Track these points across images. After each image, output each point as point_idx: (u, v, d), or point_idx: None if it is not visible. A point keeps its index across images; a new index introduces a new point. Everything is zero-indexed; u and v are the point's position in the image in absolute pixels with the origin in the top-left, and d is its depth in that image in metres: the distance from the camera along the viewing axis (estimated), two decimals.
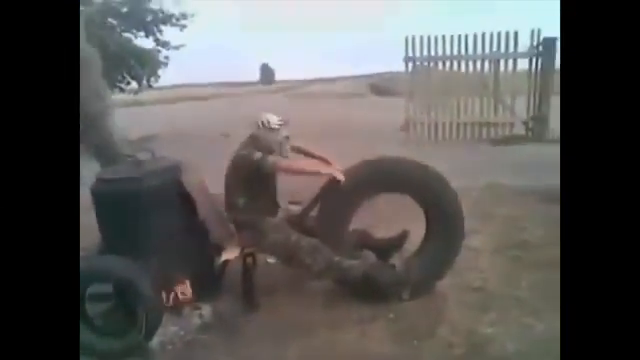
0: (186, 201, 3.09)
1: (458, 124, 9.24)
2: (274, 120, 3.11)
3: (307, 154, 3.40)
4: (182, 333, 2.86)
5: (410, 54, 9.15)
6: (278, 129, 3.11)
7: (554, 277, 3.27)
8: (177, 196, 3.07)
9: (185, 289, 2.95)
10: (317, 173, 3.14)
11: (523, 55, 8.80)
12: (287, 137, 3.17)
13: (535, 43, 8.76)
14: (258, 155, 2.99)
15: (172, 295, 2.93)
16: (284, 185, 3.35)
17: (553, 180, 5.56)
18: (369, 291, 3.06)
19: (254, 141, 3.13)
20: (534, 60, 8.79)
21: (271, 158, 3.00)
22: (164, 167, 3.18)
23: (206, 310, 3.04)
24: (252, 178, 3.05)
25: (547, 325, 2.78)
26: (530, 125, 8.92)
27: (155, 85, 12.52)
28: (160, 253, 2.88)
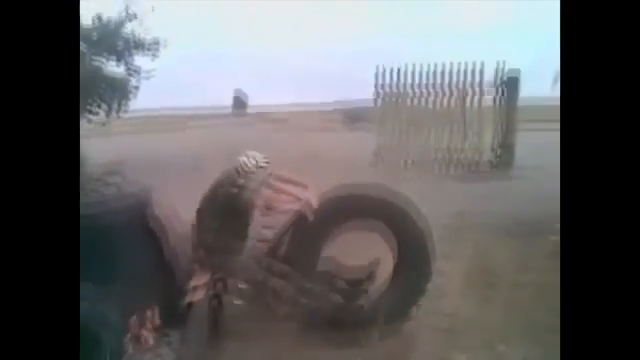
0: (153, 236, 3.03)
1: (427, 154, 9.42)
2: (260, 158, 3.10)
3: (287, 181, 3.38)
4: None
5: (380, 86, 9.35)
6: (263, 167, 3.09)
7: (524, 304, 3.37)
8: (144, 231, 3.01)
9: (153, 317, 2.87)
10: (292, 207, 3.13)
11: (488, 87, 9.11)
12: (270, 174, 3.16)
13: (499, 76, 9.09)
14: (234, 191, 2.98)
15: (139, 323, 2.84)
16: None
17: (520, 208, 5.76)
18: (338, 332, 3.03)
19: (235, 175, 3.07)
20: (499, 92, 9.10)
21: (250, 193, 3.00)
22: (132, 198, 3.12)
23: (174, 337, 2.96)
24: (228, 212, 3.02)
25: (518, 354, 2.82)
26: (497, 155, 9.17)
27: (125, 114, 12.38)
28: (127, 280, 2.80)
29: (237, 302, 3.26)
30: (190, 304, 3.10)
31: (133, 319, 2.82)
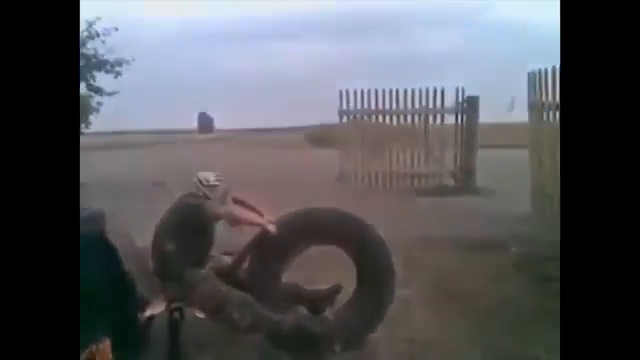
0: (109, 253, 2.94)
1: (390, 175, 9.54)
2: (212, 178, 3.13)
3: (245, 206, 3.40)
4: None
5: (344, 107, 9.47)
6: (216, 185, 3.13)
7: (484, 325, 3.40)
8: (99, 247, 2.91)
9: (105, 349, 2.74)
10: (252, 223, 3.13)
11: (449, 111, 9.35)
12: (226, 190, 3.21)
13: (460, 100, 9.36)
14: (201, 200, 3.01)
15: (89, 358, 2.71)
16: (218, 234, 3.28)
17: (481, 229, 5.88)
18: (301, 344, 3.00)
19: (194, 195, 3.12)
20: (459, 115, 9.35)
21: (213, 204, 3.02)
22: (86, 216, 3.02)
23: None
24: (190, 224, 3.00)
25: None
26: (458, 176, 9.36)
27: (86, 131, 12.08)
28: (81, 305, 2.68)
29: (199, 315, 3.19)
30: (151, 317, 3.02)
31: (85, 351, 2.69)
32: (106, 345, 2.74)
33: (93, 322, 2.72)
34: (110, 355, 2.74)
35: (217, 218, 3.11)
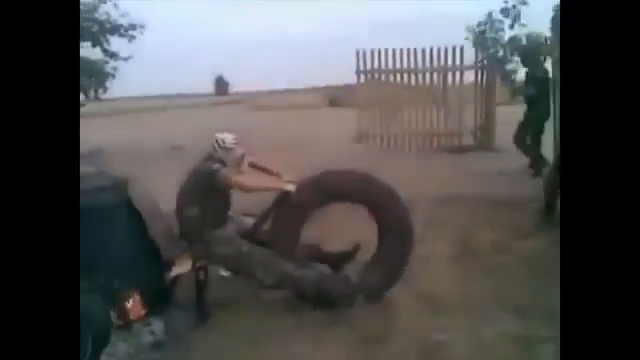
0: (135, 216, 3.02)
1: (409, 135, 9.46)
2: (229, 139, 3.18)
3: (261, 169, 3.45)
4: (132, 352, 2.77)
5: (361, 67, 9.32)
6: (233, 148, 3.17)
7: (504, 282, 3.43)
8: (125, 211, 2.99)
9: (136, 304, 2.86)
10: (269, 189, 3.17)
11: (468, 68, 9.14)
12: (243, 155, 3.25)
13: (479, 57, 9.12)
14: (216, 166, 3.03)
15: (121, 311, 2.83)
16: (238, 196, 3.33)
17: (500, 187, 5.84)
18: (322, 300, 3.08)
19: (212, 158, 3.17)
20: (479, 73, 9.14)
21: (227, 171, 3.05)
22: (110, 182, 3.09)
23: (157, 326, 2.96)
24: (207, 189, 3.07)
25: (497, 329, 2.87)
26: (477, 135, 9.24)
27: (103, 97, 12.17)
28: (108, 269, 2.79)
29: (223, 274, 3.29)
30: (177, 277, 3.13)
31: (116, 307, 2.81)
32: (137, 300, 2.86)
33: (123, 282, 2.84)
34: (142, 310, 2.87)
35: (229, 187, 3.16)
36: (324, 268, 3.30)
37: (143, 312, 2.91)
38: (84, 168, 3.14)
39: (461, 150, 8.81)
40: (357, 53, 9.29)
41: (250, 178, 3.28)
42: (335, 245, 3.58)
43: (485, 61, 9.05)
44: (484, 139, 9.08)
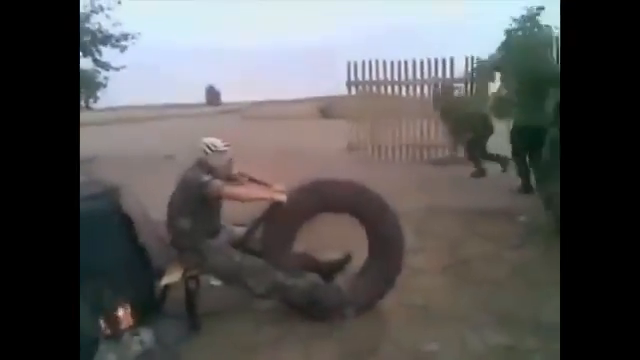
0: (125, 225, 3.01)
1: (400, 146, 9.51)
2: (219, 143, 3.18)
3: (251, 179, 3.46)
4: None
5: (352, 78, 9.39)
6: (224, 151, 3.17)
7: (494, 293, 3.45)
8: (115, 220, 2.99)
9: (125, 314, 2.85)
10: (260, 199, 3.18)
11: (459, 81, 9.24)
12: (231, 159, 3.24)
13: (469, 69, 9.22)
14: (206, 178, 3.00)
15: (110, 321, 2.81)
16: (229, 206, 3.34)
17: (489, 200, 5.88)
18: (313, 310, 3.08)
19: (201, 165, 3.15)
20: (469, 85, 9.24)
21: (217, 182, 3.02)
22: (101, 190, 3.09)
23: (147, 335, 2.94)
24: (198, 200, 3.04)
25: (488, 340, 2.89)
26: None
27: (94, 106, 12.14)
28: (98, 278, 2.77)
29: (214, 283, 3.28)
30: (167, 286, 3.12)
31: (105, 317, 2.80)
32: (127, 310, 2.85)
33: (113, 291, 2.82)
34: (131, 319, 2.85)
35: (220, 198, 3.15)
36: (315, 278, 3.30)
37: (132, 321, 2.89)
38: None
39: (452, 162, 8.87)
40: (348, 65, 9.37)
41: (241, 189, 3.28)
42: (326, 255, 3.59)
43: (475, 74, 9.15)
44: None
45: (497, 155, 7.28)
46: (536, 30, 7.98)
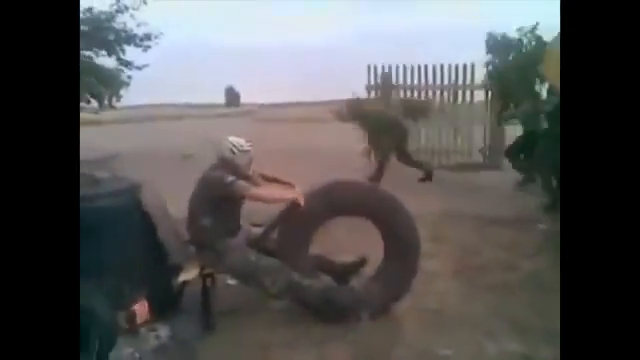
0: (145, 221, 3.07)
1: (417, 151, 9.47)
2: (244, 143, 3.21)
3: (271, 180, 3.49)
4: (137, 355, 2.80)
5: (372, 82, 9.39)
6: (248, 151, 3.21)
7: (509, 300, 3.43)
8: (136, 216, 3.04)
9: (142, 309, 2.91)
10: (282, 200, 3.21)
11: (479, 87, 9.18)
12: (251, 159, 3.28)
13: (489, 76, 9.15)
14: (230, 179, 3.04)
15: (128, 315, 2.87)
16: (246, 206, 3.38)
17: (507, 206, 5.84)
18: (328, 312, 3.10)
19: (224, 165, 3.18)
20: (489, 91, 9.17)
21: (242, 183, 3.06)
22: (123, 187, 3.16)
23: (163, 331, 2.99)
24: (220, 200, 3.08)
25: (502, 346, 2.88)
26: (486, 153, 9.24)
27: (117, 105, 12.32)
28: (117, 273, 2.83)
29: (230, 282, 3.32)
30: (184, 283, 3.17)
31: (123, 311, 2.85)
32: (144, 305, 2.90)
33: (131, 286, 2.88)
34: (148, 314, 2.91)
35: (244, 198, 3.19)
36: (330, 280, 3.32)
37: (150, 317, 2.95)
38: (99, 173, 3.22)
39: (469, 168, 8.81)
40: (368, 68, 9.38)
41: (265, 190, 3.31)
42: (341, 258, 3.60)
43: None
44: (493, 158, 9.07)
45: (421, 162, 7.29)
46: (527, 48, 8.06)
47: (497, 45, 8.27)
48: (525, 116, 7.11)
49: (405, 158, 7.24)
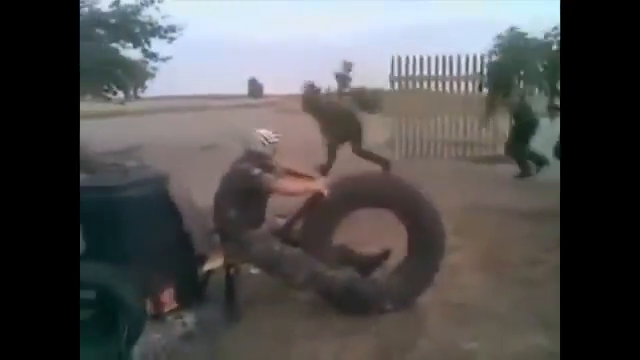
0: (172, 211, 3.12)
1: (442, 143, 9.39)
2: (271, 135, 3.26)
3: (295, 174, 3.52)
4: (164, 342, 2.85)
5: (395, 73, 9.32)
6: (276, 142, 3.26)
7: (534, 294, 3.38)
8: (163, 206, 3.09)
9: (169, 297, 2.96)
10: (306, 193, 3.24)
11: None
12: (275, 150, 3.33)
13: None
14: (256, 171, 3.07)
15: (155, 303, 2.93)
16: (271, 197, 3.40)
17: (533, 199, 5.74)
18: (351, 303, 3.11)
19: (250, 157, 3.22)
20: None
21: (269, 177, 3.09)
22: (151, 177, 3.21)
23: (189, 319, 3.04)
24: (246, 192, 3.11)
25: (527, 341, 2.84)
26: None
27: (142, 96, 12.50)
28: (145, 261, 2.89)
29: (254, 271, 3.36)
30: (209, 272, 3.22)
31: (150, 298, 2.91)
32: (171, 293, 2.96)
33: (158, 274, 2.94)
34: (175, 302, 2.97)
35: (271, 191, 3.21)
36: (353, 271, 3.33)
37: (176, 304, 3.00)
38: (127, 162, 3.28)
39: (494, 160, 8.70)
40: (392, 59, 9.30)
41: (291, 184, 3.30)
42: (365, 250, 3.60)
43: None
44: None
45: (376, 155, 7.33)
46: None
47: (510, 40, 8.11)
48: (517, 107, 7.40)
49: (359, 151, 7.28)
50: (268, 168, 3.19)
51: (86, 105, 10.64)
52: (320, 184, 3.21)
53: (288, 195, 3.21)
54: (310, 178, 3.44)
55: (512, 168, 7.45)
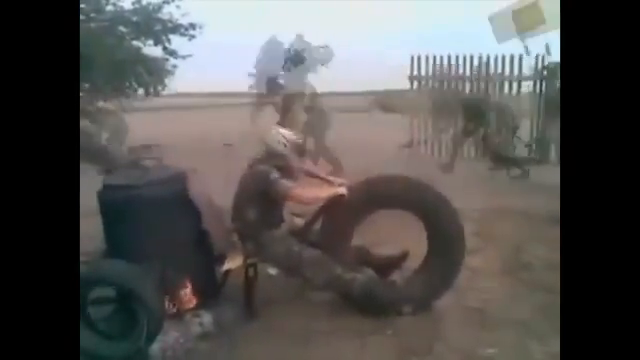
0: (191, 210, 3.13)
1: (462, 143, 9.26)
2: (293, 136, 3.25)
3: (315, 176, 3.51)
4: (182, 340, 2.87)
5: (415, 73, 9.24)
6: (297, 142, 3.27)
7: (554, 300, 3.31)
8: (182, 204, 3.11)
9: (187, 295, 2.98)
10: (322, 201, 3.21)
11: (527, 78, 8.87)
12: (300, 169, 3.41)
13: (540, 67, 8.83)
14: (274, 177, 3.05)
15: (174, 301, 2.95)
16: None
17: (554, 202, 5.63)
18: (369, 305, 3.09)
19: (270, 157, 3.20)
20: (538, 83, 8.85)
21: (286, 184, 3.06)
22: (170, 176, 3.23)
23: (206, 318, 3.06)
24: (265, 194, 3.09)
25: (547, 348, 2.80)
26: (532, 147, 8.95)
27: (162, 93, 12.62)
28: (164, 259, 2.91)
29: (272, 272, 3.35)
30: (227, 271, 3.22)
31: (169, 297, 2.93)
32: (189, 289, 2.97)
33: (176, 273, 2.96)
34: (193, 301, 2.99)
35: (287, 199, 3.17)
36: (372, 273, 3.31)
37: (194, 302, 3.02)
38: (148, 161, 3.30)
39: (516, 162, 8.55)
40: (412, 59, 9.22)
41: (307, 192, 3.24)
42: (384, 251, 3.57)
43: (545, 72, 8.76)
44: (539, 152, 8.78)
45: (331, 156, 7.38)
46: None
47: None
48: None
49: (322, 150, 7.40)
50: (287, 170, 3.17)
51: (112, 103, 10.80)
52: (338, 190, 3.17)
53: (307, 203, 3.21)
54: (329, 182, 3.42)
55: (534, 170, 7.34)
